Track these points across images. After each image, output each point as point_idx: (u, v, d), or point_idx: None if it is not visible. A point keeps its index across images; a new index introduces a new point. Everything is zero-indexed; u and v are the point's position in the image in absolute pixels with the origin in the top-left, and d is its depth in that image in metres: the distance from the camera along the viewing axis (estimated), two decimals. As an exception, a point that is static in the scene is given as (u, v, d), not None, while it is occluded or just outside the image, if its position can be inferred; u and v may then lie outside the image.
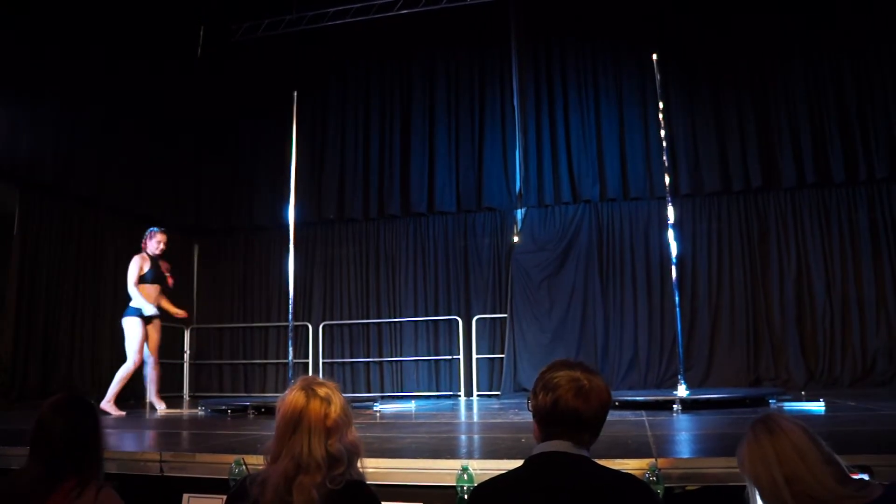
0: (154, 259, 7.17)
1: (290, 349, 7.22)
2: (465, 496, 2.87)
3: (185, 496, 3.27)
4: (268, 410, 6.44)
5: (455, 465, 3.03)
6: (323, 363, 10.08)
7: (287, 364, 7.43)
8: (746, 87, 9.20)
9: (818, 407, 5.70)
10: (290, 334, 7.29)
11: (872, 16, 8.82)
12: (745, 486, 2.22)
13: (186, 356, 10.76)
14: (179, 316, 7.52)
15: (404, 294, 10.19)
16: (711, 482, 2.84)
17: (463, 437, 4.63)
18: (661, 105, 7.11)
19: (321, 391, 1.95)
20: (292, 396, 1.95)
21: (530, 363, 9.04)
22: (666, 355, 8.95)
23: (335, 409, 1.93)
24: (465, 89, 10.26)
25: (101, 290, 9.35)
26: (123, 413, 6.76)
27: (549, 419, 1.95)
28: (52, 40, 8.53)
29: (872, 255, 8.65)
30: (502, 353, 9.52)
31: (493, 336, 9.76)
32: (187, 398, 10.28)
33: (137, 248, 7.24)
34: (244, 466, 3.18)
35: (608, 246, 9.52)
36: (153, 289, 7.12)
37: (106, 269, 9.46)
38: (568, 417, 1.92)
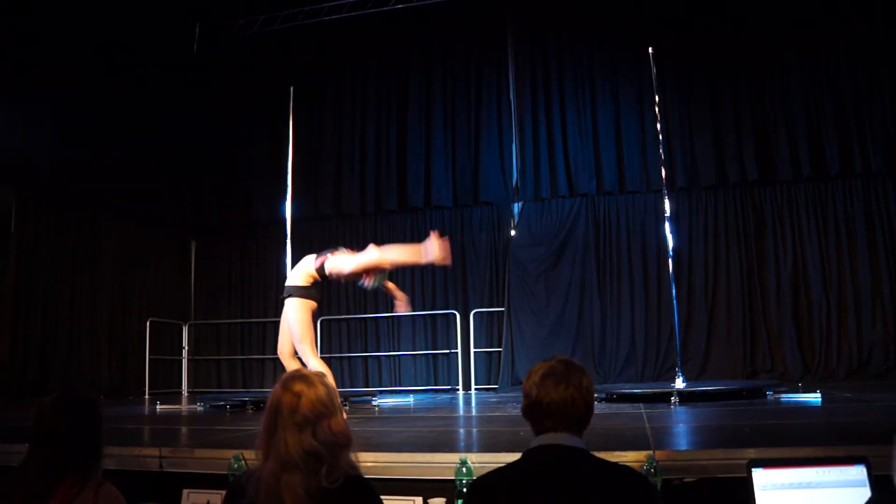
0: None
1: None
2: (464, 489, 2.88)
3: (185, 491, 3.27)
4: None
5: (454, 458, 3.04)
6: (321, 358, 10.07)
7: (285, 359, 7.41)
8: (742, 81, 9.19)
9: (815, 399, 5.73)
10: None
11: (868, 10, 8.82)
12: (745, 478, 2.23)
13: (185, 352, 10.76)
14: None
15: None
16: (709, 474, 2.86)
17: (461, 430, 4.64)
18: (657, 99, 7.12)
19: (295, 386, 1.89)
20: (272, 393, 1.94)
21: (528, 357, 9.05)
22: (663, 348, 8.97)
23: (305, 403, 1.86)
24: (461, 83, 10.24)
25: (99, 287, 9.35)
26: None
27: (531, 414, 2.00)
28: (51, 39, 8.50)
29: (868, 248, 8.67)
30: (500, 347, 9.53)
31: (490, 330, 9.77)
32: (186, 394, 10.28)
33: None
34: (243, 462, 3.19)
35: (605, 240, 9.52)
36: None
37: (104, 266, 9.45)
38: (540, 407, 1.95)
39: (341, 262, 5.33)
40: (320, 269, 5.40)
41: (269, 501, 1.81)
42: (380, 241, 10.25)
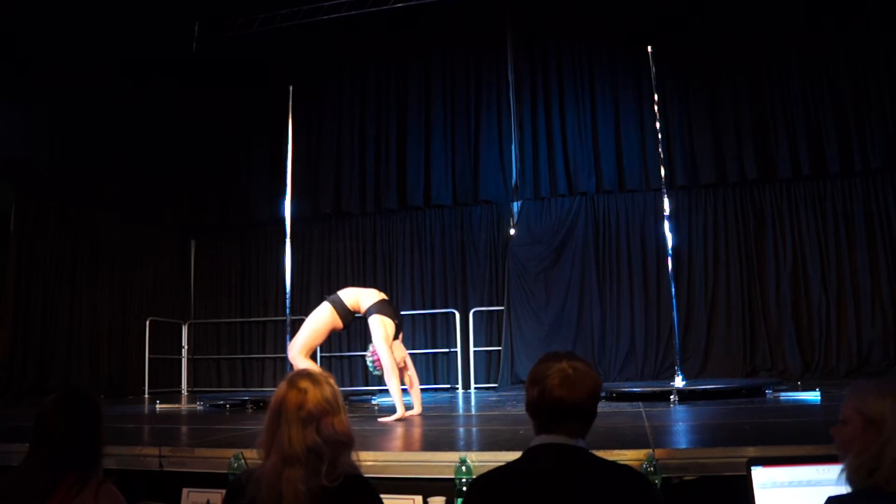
0: None
1: (288, 344, 7.21)
2: (464, 488, 2.88)
3: (185, 491, 3.28)
4: (266, 405, 6.42)
5: (453, 457, 3.04)
6: (321, 357, 10.09)
7: (285, 359, 7.43)
8: (741, 79, 9.19)
9: (814, 397, 5.73)
10: (288, 329, 7.29)
11: (868, 10, 8.81)
12: (744, 476, 2.24)
13: (184, 351, 10.77)
14: None
15: (401, 288, 10.19)
16: (708, 472, 2.86)
17: (461, 429, 4.64)
18: (656, 97, 7.11)
19: (302, 383, 1.92)
20: (277, 389, 1.97)
21: (527, 355, 9.06)
22: (662, 347, 8.97)
23: (311, 399, 1.89)
24: (460, 82, 10.24)
25: (98, 287, 9.34)
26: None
27: (539, 411, 1.96)
28: (51, 39, 8.49)
29: (868, 246, 8.67)
30: (499, 346, 9.54)
31: (490, 329, 9.77)
32: (185, 393, 10.28)
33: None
34: (243, 461, 3.19)
35: (604, 238, 9.52)
36: None
37: (104, 266, 9.45)
38: (555, 408, 1.91)
39: (377, 332, 5.39)
40: (366, 313, 5.53)
41: (270, 496, 1.82)
42: (380, 241, 10.37)
